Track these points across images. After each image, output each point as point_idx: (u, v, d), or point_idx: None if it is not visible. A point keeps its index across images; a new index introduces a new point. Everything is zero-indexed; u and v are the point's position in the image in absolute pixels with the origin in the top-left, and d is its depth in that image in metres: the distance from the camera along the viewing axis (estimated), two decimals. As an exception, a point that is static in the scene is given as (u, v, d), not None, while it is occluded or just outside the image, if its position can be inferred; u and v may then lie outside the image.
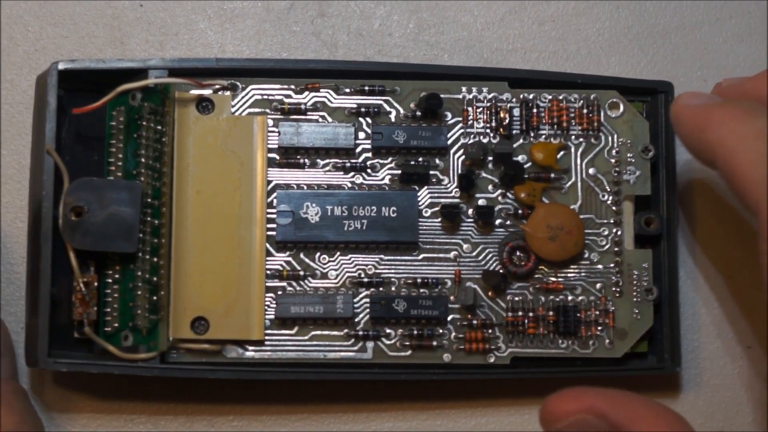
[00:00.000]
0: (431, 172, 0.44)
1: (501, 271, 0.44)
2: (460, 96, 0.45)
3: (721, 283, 0.47)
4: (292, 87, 0.44)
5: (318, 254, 0.44)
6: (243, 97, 0.44)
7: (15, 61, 0.46)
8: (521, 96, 0.45)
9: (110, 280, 0.43)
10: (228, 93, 0.44)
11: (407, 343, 0.44)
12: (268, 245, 0.44)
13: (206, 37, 0.47)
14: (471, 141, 0.45)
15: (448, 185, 0.44)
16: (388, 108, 0.45)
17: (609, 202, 0.45)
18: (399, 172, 0.44)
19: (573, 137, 0.45)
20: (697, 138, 0.39)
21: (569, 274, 0.45)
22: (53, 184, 0.42)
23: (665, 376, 0.46)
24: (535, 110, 0.45)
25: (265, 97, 0.44)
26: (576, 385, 0.37)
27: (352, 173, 0.44)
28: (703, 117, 0.38)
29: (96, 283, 0.43)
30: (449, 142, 0.45)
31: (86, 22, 0.46)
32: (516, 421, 0.45)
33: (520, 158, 0.45)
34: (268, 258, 0.44)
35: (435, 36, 0.47)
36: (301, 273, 0.44)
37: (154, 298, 0.42)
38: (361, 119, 0.44)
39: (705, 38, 0.48)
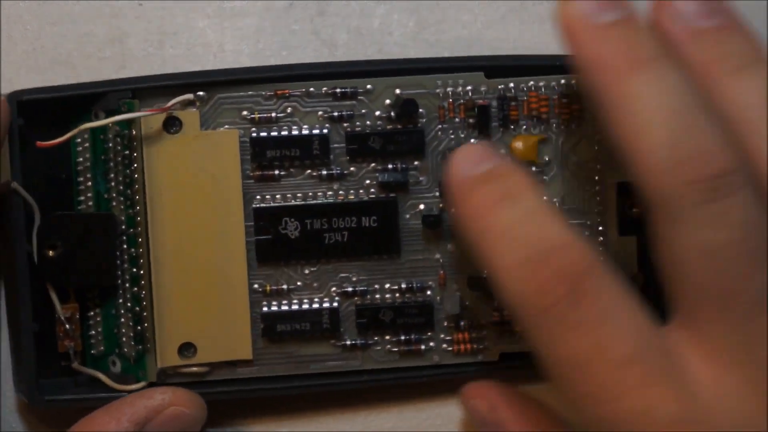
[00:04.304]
0: (411, 173, 0.43)
1: (485, 275, 0.44)
2: (436, 90, 0.43)
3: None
4: (261, 94, 0.43)
5: (300, 268, 0.43)
6: (210, 108, 0.42)
7: (14, 60, 0.44)
8: (499, 87, 0.43)
9: (93, 312, 0.43)
10: (195, 109, 0.42)
11: (395, 350, 0.44)
12: (249, 263, 0.43)
13: (205, 36, 0.45)
14: (449, 139, 0.43)
15: (429, 185, 0.43)
16: (362, 110, 0.43)
17: (593, 190, 0.44)
18: (377, 176, 0.43)
19: (554, 126, 0.44)
20: (588, 73, 0.35)
21: (555, 270, 0.44)
22: (24, 221, 0.41)
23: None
24: (513, 102, 0.43)
25: (234, 106, 0.43)
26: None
27: (328, 182, 0.43)
28: (599, 52, 0.35)
29: (78, 315, 0.42)
30: (427, 139, 0.43)
31: (85, 21, 0.45)
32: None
33: (501, 152, 0.43)
34: (250, 275, 0.43)
35: (435, 35, 0.46)
36: (285, 288, 0.43)
37: (138, 328, 0.42)
38: (335, 123, 0.43)
39: (705, 38, 0.46)
